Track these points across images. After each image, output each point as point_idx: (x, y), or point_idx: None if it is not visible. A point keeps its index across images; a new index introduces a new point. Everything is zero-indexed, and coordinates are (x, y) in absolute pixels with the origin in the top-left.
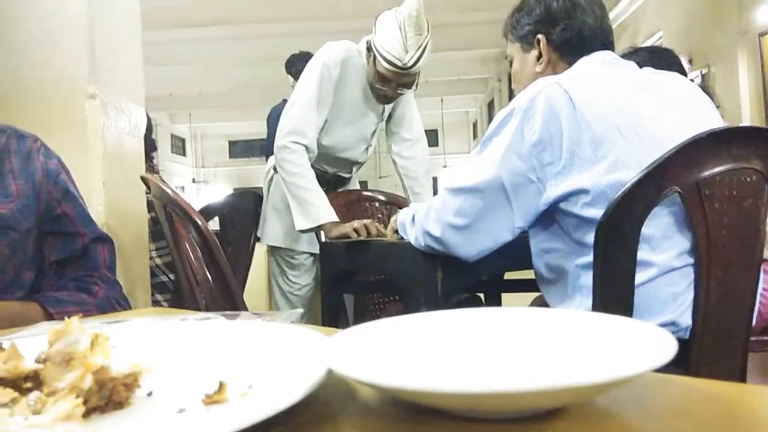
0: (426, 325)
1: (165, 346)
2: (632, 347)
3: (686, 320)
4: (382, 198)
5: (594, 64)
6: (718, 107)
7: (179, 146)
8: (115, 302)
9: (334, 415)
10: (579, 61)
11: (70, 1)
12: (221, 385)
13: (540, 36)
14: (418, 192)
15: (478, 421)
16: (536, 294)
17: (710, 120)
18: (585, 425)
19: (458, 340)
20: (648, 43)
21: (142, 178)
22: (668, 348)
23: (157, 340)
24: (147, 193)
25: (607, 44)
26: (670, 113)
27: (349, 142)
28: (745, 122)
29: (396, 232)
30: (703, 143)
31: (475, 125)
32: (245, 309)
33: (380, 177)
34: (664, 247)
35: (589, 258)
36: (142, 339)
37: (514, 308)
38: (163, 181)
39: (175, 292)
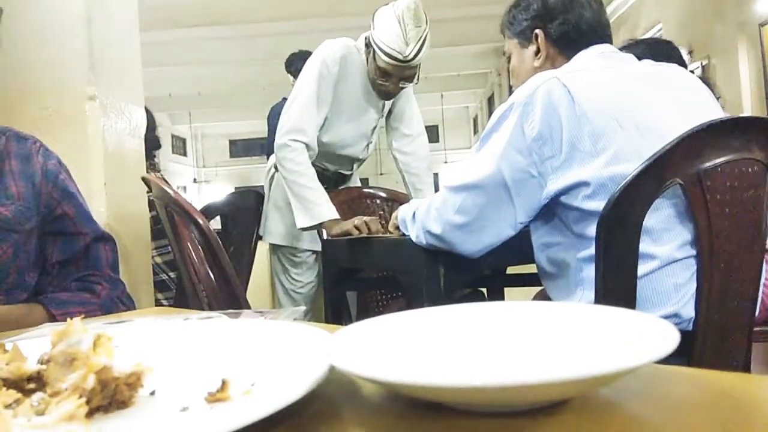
0: (429, 320)
1: (168, 346)
2: (635, 339)
3: (689, 312)
4: (383, 195)
5: (592, 57)
6: (718, 98)
7: (180, 146)
8: (119, 301)
9: (338, 411)
10: (577, 55)
11: (67, 3)
12: (224, 383)
13: (538, 31)
14: (420, 188)
15: (481, 416)
16: (539, 288)
17: (711, 111)
18: (589, 417)
19: (461, 334)
20: (647, 36)
21: (144, 179)
22: (671, 339)
23: (160, 339)
24: (148, 193)
25: (605, 37)
26: (670, 105)
27: (350, 139)
28: (746, 113)
29: (397, 228)
30: (704, 134)
31: (475, 120)
32: (248, 307)
33: (381, 174)
34: (665, 239)
35: (591, 251)
36: (145, 338)
37: (517, 302)
38: (165, 180)
39: (178, 291)
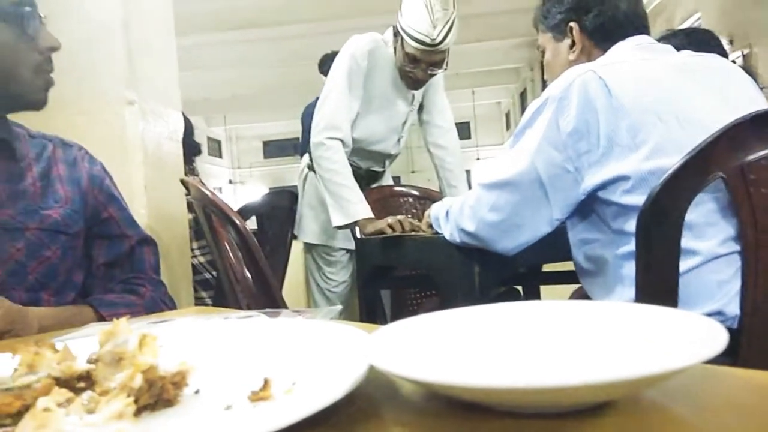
0: (466, 319)
1: (210, 345)
2: (680, 339)
3: (734, 309)
4: (415, 193)
5: (629, 49)
6: (762, 88)
7: (215, 148)
8: (161, 302)
9: (377, 411)
10: (613, 47)
11: (105, 10)
12: (266, 382)
13: (572, 24)
14: (454, 185)
15: (522, 417)
16: (576, 286)
17: (754, 102)
18: (632, 419)
19: (500, 334)
20: (685, 26)
21: (182, 181)
22: (718, 339)
23: (202, 338)
24: (187, 195)
25: (642, 29)
26: (711, 96)
27: (381, 134)
28: None
29: (430, 226)
30: (747, 126)
31: (507, 116)
32: (285, 307)
33: (412, 172)
34: (708, 234)
35: (630, 247)
36: (188, 338)
37: (556, 301)
38: (202, 183)
39: (217, 290)
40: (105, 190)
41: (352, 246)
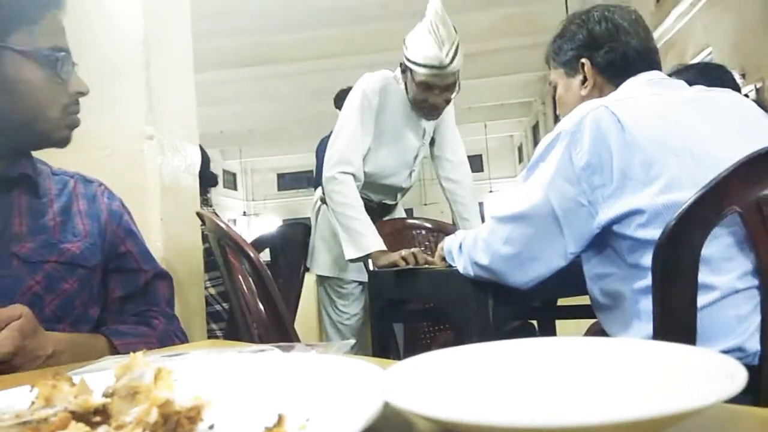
0: (482, 355)
1: (223, 379)
2: (698, 377)
3: (754, 345)
4: (428, 225)
5: (641, 85)
6: None
7: (231, 181)
8: (174, 335)
9: None
10: (625, 82)
11: (126, 47)
12: (280, 418)
13: (584, 60)
14: (467, 218)
15: None
16: (591, 321)
17: None
18: None
19: (516, 371)
20: (697, 60)
21: (198, 214)
22: (738, 378)
23: (216, 372)
24: (201, 227)
25: (654, 64)
26: (725, 130)
27: (392, 168)
28: None
29: (443, 259)
30: (763, 160)
31: (520, 149)
32: (297, 340)
33: (425, 204)
34: (725, 269)
35: (647, 282)
36: (202, 372)
37: (572, 338)
38: (216, 215)
39: (229, 322)
40: (123, 226)
41: (364, 278)
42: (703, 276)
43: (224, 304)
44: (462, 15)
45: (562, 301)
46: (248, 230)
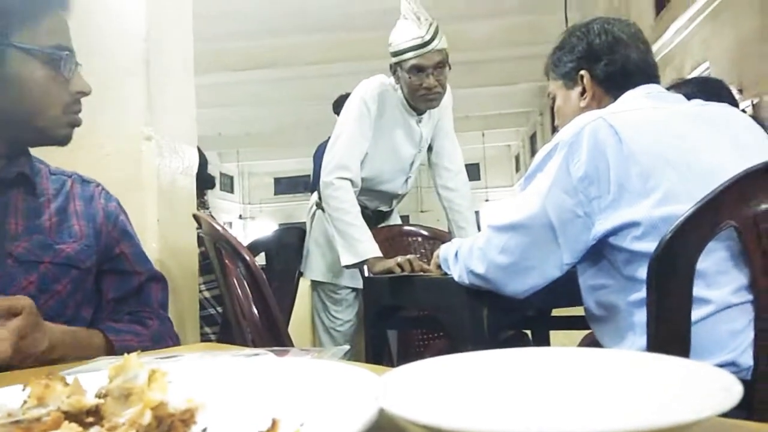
0: (476, 364)
1: (217, 382)
2: (693, 390)
3: (747, 360)
4: (424, 233)
5: (639, 97)
6: None
7: (227, 183)
8: (167, 337)
9: None
10: (624, 95)
11: (127, 49)
12: (274, 423)
13: (583, 72)
14: (463, 226)
15: None
16: (585, 332)
17: (764, 151)
18: None
19: (510, 380)
20: (695, 75)
21: (194, 216)
22: (732, 391)
23: (210, 375)
24: (198, 229)
25: (653, 77)
26: (722, 145)
27: (388, 174)
28: None
29: (439, 267)
30: (759, 175)
31: (517, 158)
32: (291, 345)
33: (421, 211)
34: (720, 283)
35: (642, 294)
36: (196, 375)
37: (566, 348)
38: (213, 217)
39: (222, 325)
40: (119, 227)
41: (358, 285)
42: (698, 290)
43: (218, 308)
44: (462, 24)
45: (556, 312)
46: (244, 234)
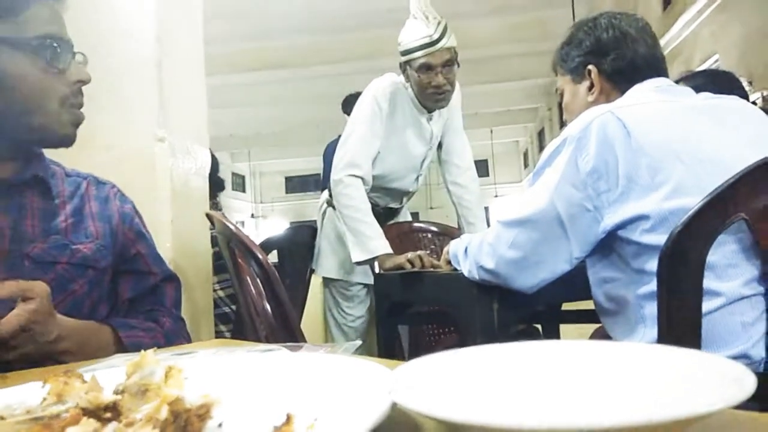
0: (488, 357)
1: (232, 378)
2: (706, 382)
3: (759, 352)
4: (434, 229)
5: (647, 91)
6: None
7: (239, 183)
8: (180, 336)
9: None
10: (632, 89)
11: (139, 50)
12: (289, 418)
13: (591, 67)
14: (472, 222)
15: None
16: (596, 325)
17: None
18: None
19: (522, 373)
20: (704, 68)
21: (207, 215)
22: (746, 383)
23: (225, 371)
24: (211, 229)
25: (661, 71)
26: (732, 137)
27: (399, 172)
28: None
29: (449, 263)
30: None
31: (525, 154)
32: (304, 341)
33: (431, 208)
34: (730, 275)
35: (651, 287)
36: (211, 370)
37: (577, 341)
38: (225, 217)
39: (236, 323)
40: (134, 228)
41: (369, 281)
42: (708, 282)
43: (233, 307)
44: (469, 21)
45: (566, 306)
46: (256, 232)
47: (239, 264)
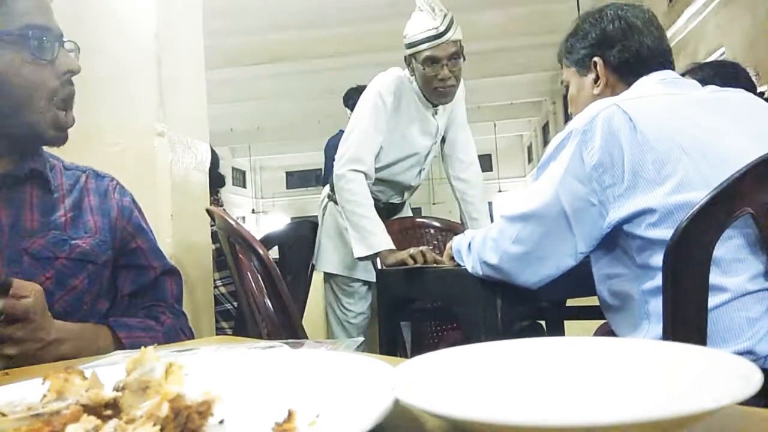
0: (491, 354)
1: (233, 374)
2: (712, 378)
3: (764, 348)
4: (437, 225)
5: (653, 84)
6: None
7: (240, 178)
8: (181, 332)
9: None
10: (638, 81)
11: (138, 45)
12: (290, 414)
13: (596, 59)
14: (476, 217)
15: None
16: (600, 322)
17: None
18: None
19: (525, 370)
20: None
21: (208, 211)
22: (752, 379)
23: (226, 368)
24: (211, 225)
25: (667, 64)
26: (738, 131)
27: (404, 165)
28: None
29: (452, 258)
30: None
31: (529, 149)
32: (305, 337)
33: (434, 203)
34: (736, 270)
35: (656, 282)
36: (212, 367)
37: (582, 338)
38: (226, 212)
39: (237, 319)
40: (134, 222)
41: (370, 277)
42: (714, 277)
43: (234, 303)
44: (473, 14)
45: (570, 302)
46: (257, 228)
47: (240, 260)
